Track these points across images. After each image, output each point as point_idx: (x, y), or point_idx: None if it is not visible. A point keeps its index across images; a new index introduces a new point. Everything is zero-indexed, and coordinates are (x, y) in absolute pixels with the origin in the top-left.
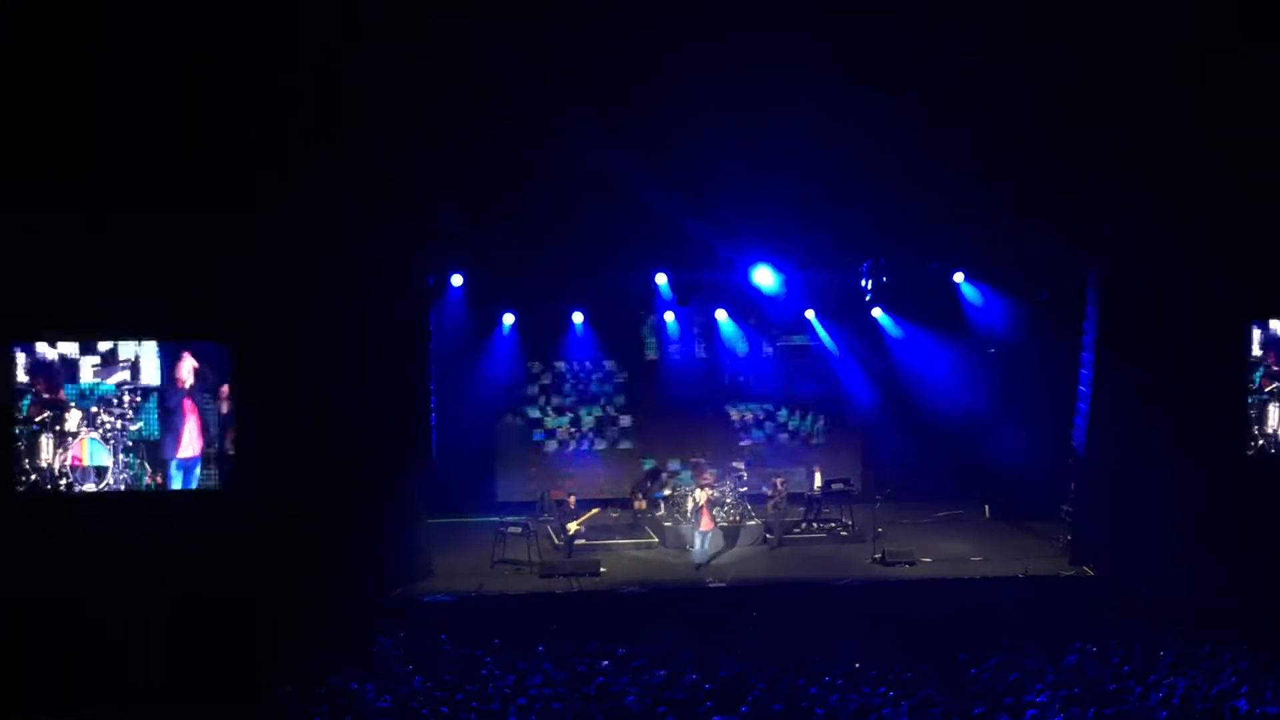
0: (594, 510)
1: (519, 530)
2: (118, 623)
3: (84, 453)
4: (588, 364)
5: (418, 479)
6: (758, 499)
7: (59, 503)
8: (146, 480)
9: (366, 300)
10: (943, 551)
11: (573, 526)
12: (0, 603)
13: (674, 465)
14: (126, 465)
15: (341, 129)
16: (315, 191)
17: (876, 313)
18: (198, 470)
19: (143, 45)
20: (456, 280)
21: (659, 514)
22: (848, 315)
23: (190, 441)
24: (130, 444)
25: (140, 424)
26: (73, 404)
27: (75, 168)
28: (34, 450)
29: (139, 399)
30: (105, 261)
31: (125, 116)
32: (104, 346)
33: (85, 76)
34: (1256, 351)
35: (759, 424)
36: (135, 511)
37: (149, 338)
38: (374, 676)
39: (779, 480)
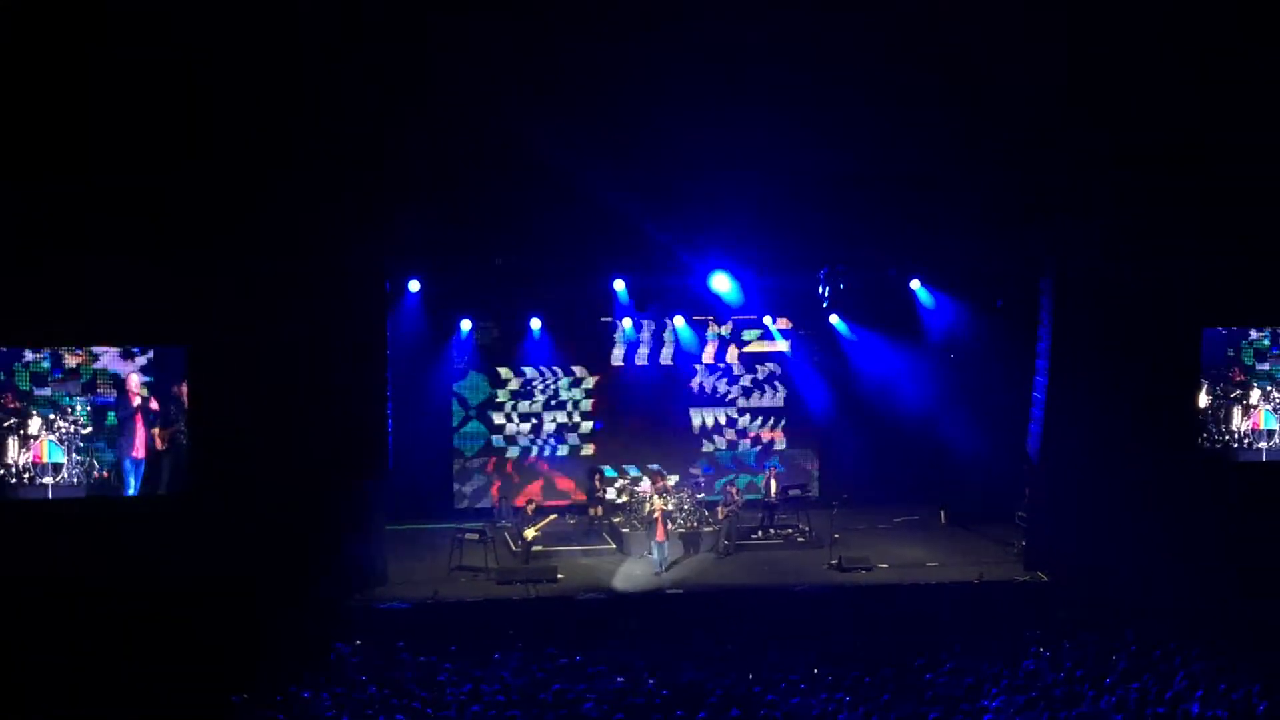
0: (551, 516)
1: (476, 537)
2: (68, 629)
3: (43, 452)
4: (546, 370)
5: (374, 485)
6: (715, 505)
7: (24, 506)
8: (95, 474)
9: (323, 305)
10: (899, 557)
11: (530, 533)
12: None
13: (632, 471)
14: (79, 463)
15: (299, 137)
16: (273, 196)
17: (833, 319)
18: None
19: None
20: (414, 286)
21: (616, 520)
22: (805, 321)
23: (142, 445)
24: (81, 445)
25: (89, 428)
26: (34, 411)
27: (29, 171)
28: (2, 449)
29: (88, 408)
30: (59, 265)
31: (81, 119)
32: (71, 362)
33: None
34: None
35: (717, 430)
36: (91, 514)
37: (105, 342)
38: (331, 684)
39: (733, 487)
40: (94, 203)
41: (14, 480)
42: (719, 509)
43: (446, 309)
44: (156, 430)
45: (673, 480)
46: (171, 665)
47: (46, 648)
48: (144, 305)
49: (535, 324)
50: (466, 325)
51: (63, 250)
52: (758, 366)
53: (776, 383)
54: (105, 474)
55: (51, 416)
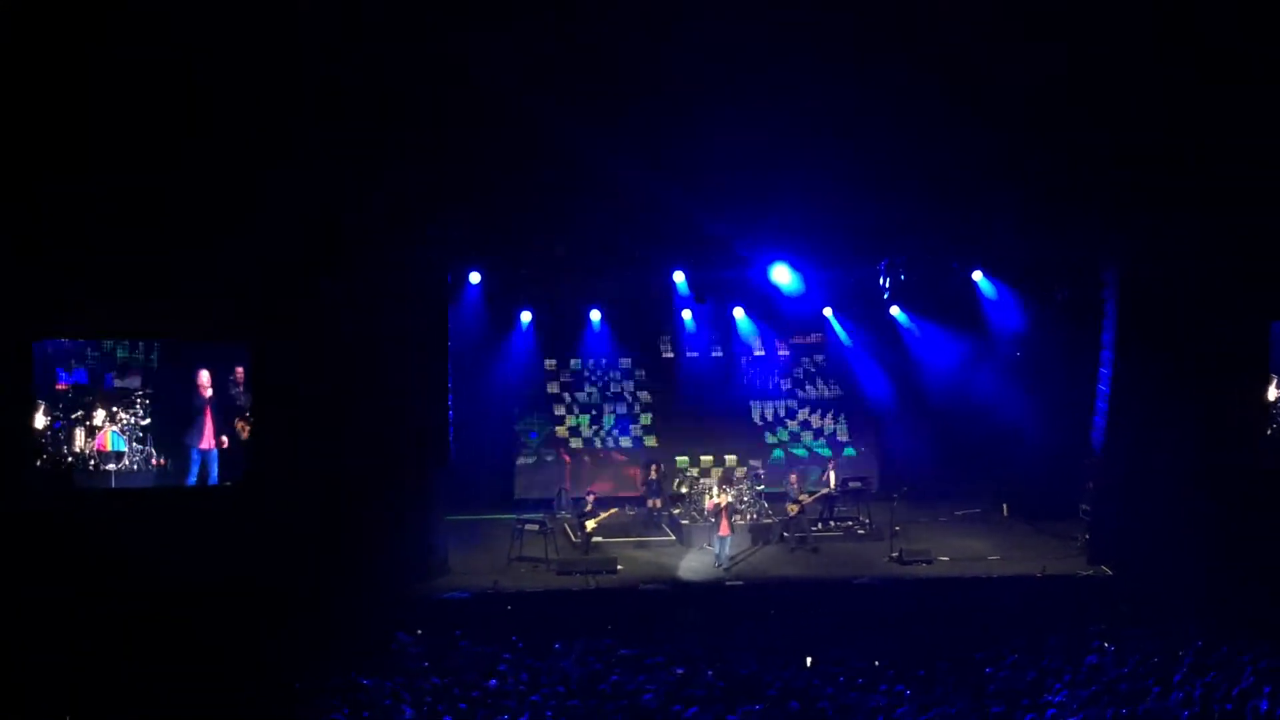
0: (612, 510)
1: (536, 528)
2: (131, 618)
3: (106, 441)
4: (606, 362)
5: (436, 476)
6: (777, 497)
7: (90, 495)
8: (153, 463)
9: (386, 298)
10: (960, 550)
11: (590, 524)
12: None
13: (693, 464)
14: (138, 451)
15: (360, 134)
16: (333, 190)
17: (894, 311)
18: (214, 461)
19: (145, 45)
20: (474, 278)
21: (676, 512)
22: (866, 313)
23: (209, 436)
24: (141, 435)
25: (148, 420)
26: (98, 403)
27: (88, 167)
28: (70, 439)
29: (148, 401)
30: (122, 260)
31: (137, 116)
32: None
33: (90, 75)
34: None
35: (778, 422)
36: (155, 505)
37: (168, 335)
38: (392, 674)
39: (793, 476)
40: (156, 198)
41: (81, 468)
42: (788, 505)
43: (507, 301)
44: (239, 421)
45: (740, 471)
46: (234, 653)
47: (109, 634)
48: (206, 300)
49: (595, 316)
50: (527, 317)
51: (126, 245)
52: (815, 358)
53: (836, 376)
54: (162, 461)
55: (114, 408)
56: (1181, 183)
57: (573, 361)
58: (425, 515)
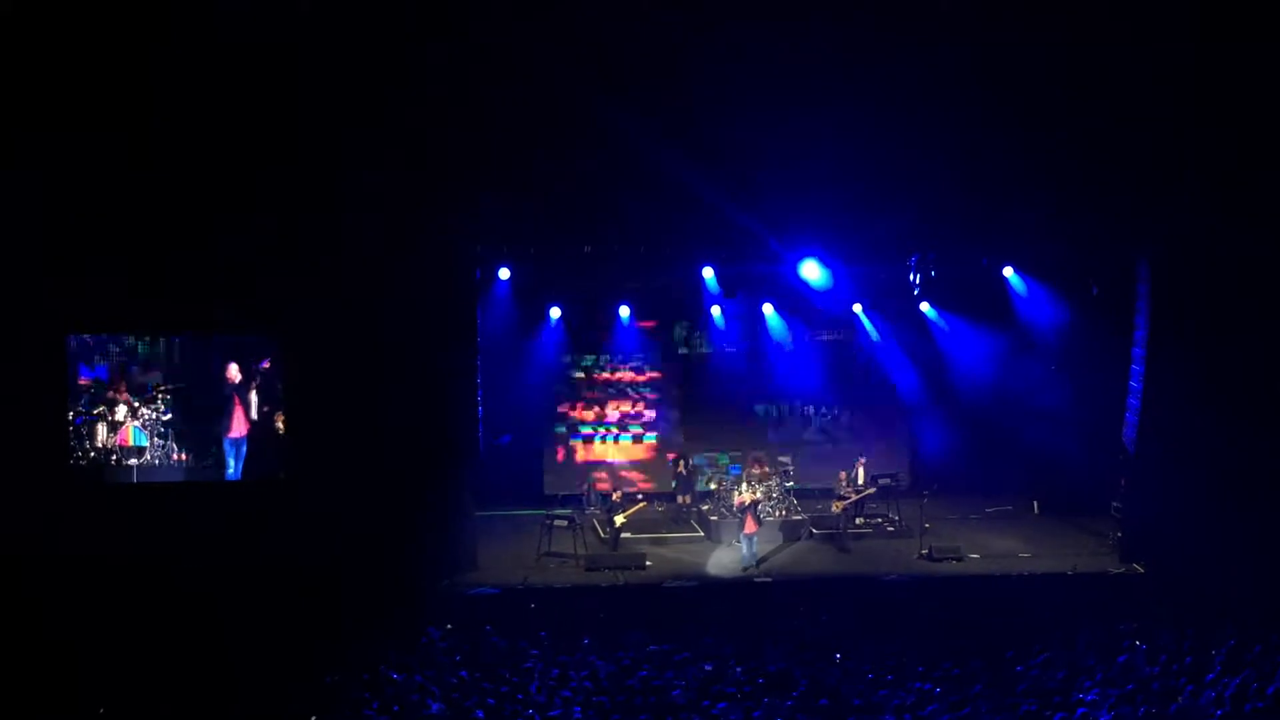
0: (640, 504)
1: (565, 523)
2: (158, 610)
3: (129, 436)
4: (635, 357)
5: (464, 471)
6: (808, 494)
7: (126, 489)
8: (174, 458)
9: (415, 294)
10: (991, 547)
11: (619, 520)
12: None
13: (721, 460)
14: (160, 446)
15: (388, 129)
16: (361, 187)
17: (924, 307)
18: (244, 448)
19: (195, 45)
20: (504, 274)
21: (705, 508)
22: (896, 309)
23: (238, 425)
24: (162, 430)
25: (169, 416)
26: (121, 397)
27: (126, 165)
28: (93, 434)
29: (169, 396)
30: (150, 255)
31: (176, 114)
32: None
33: (145, 73)
34: None
35: (807, 418)
36: (186, 500)
37: (195, 329)
38: (421, 668)
39: (842, 474)
40: (185, 193)
41: (104, 462)
42: (834, 504)
43: (536, 297)
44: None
45: (767, 468)
46: (263, 647)
47: (135, 628)
48: (236, 295)
49: (624, 311)
50: (556, 313)
51: (155, 239)
52: (846, 354)
53: (866, 372)
54: (184, 456)
55: (136, 404)
56: (1215, 175)
57: (602, 357)
58: (455, 510)
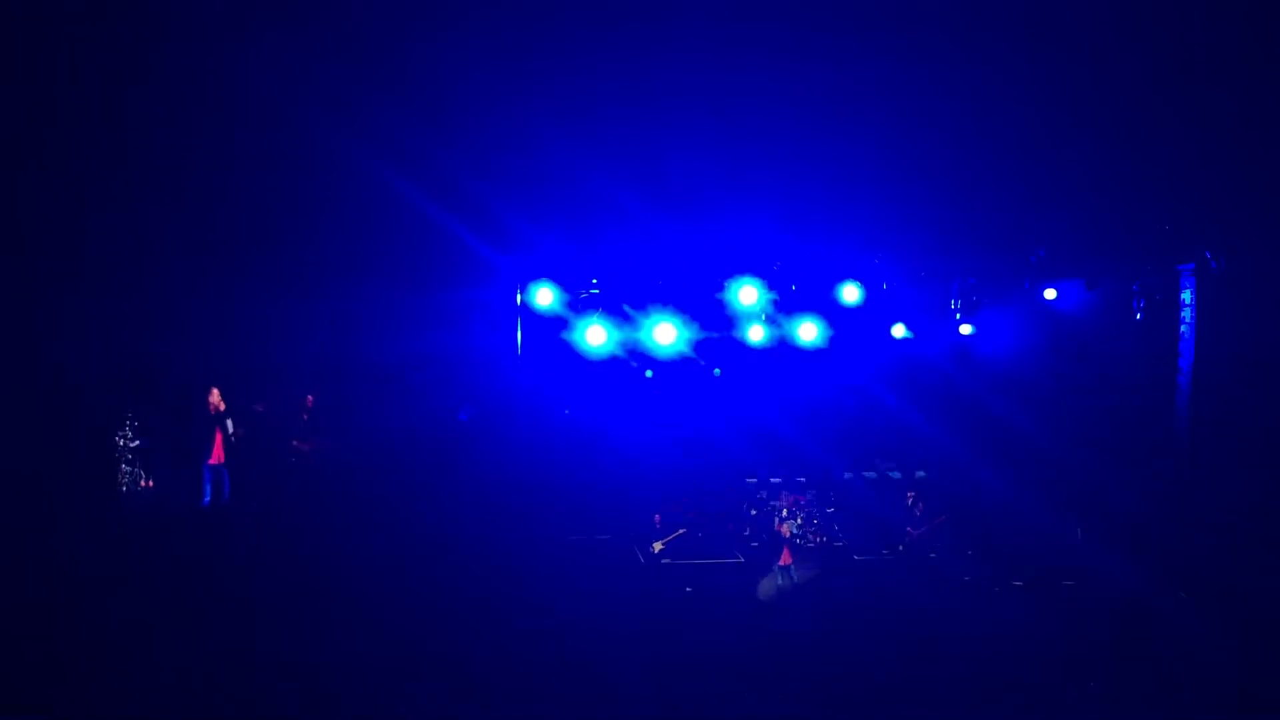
0: (680, 530)
1: None
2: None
3: None
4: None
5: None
6: (843, 520)
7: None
8: (141, 484)
9: (454, 317)
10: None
11: (657, 545)
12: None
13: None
14: (126, 473)
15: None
16: (396, 211)
17: (965, 329)
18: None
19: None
20: (545, 296)
21: (745, 534)
22: (937, 330)
23: (217, 451)
24: (130, 456)
25: (136, 443)
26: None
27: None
28: None
29: (137, 423)
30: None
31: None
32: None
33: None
34: None
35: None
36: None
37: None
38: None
39: (910, 494)
40: (216, 231)
41: None
42: (909, 530)
43: (577, 318)
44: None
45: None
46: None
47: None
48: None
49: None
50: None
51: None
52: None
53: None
54: (150, 483)
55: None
56: (1260, 175)
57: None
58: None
